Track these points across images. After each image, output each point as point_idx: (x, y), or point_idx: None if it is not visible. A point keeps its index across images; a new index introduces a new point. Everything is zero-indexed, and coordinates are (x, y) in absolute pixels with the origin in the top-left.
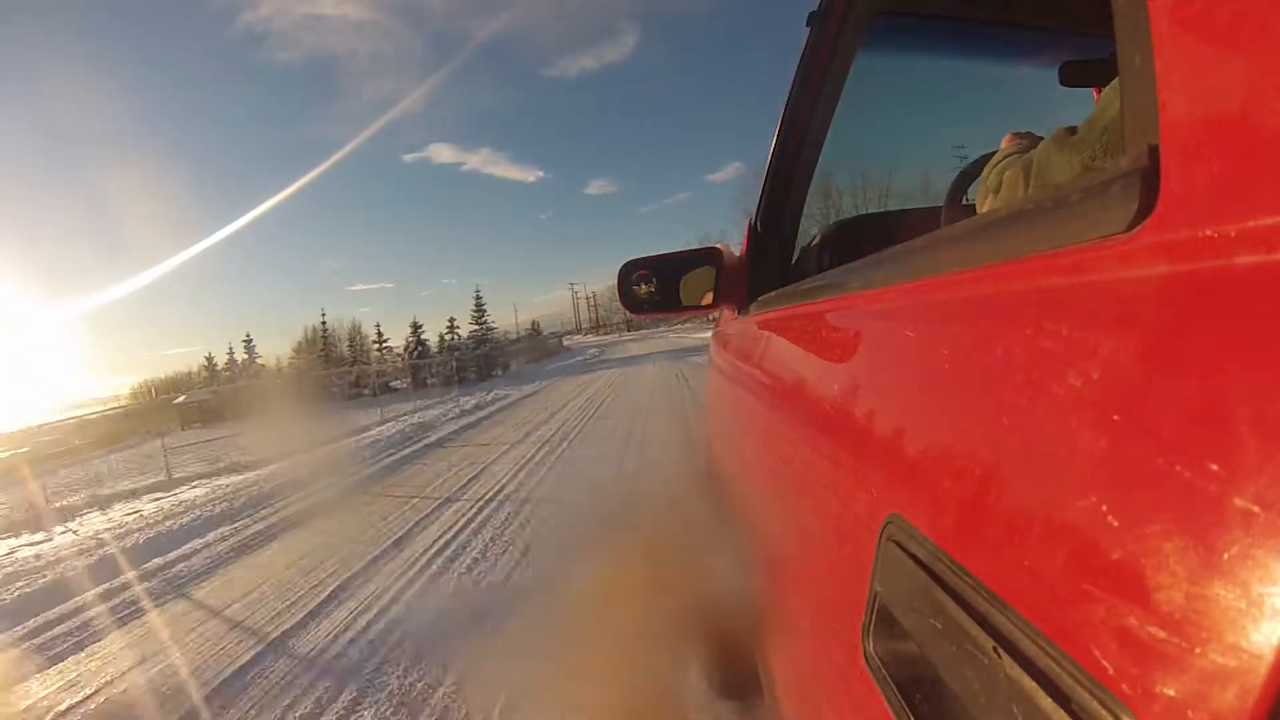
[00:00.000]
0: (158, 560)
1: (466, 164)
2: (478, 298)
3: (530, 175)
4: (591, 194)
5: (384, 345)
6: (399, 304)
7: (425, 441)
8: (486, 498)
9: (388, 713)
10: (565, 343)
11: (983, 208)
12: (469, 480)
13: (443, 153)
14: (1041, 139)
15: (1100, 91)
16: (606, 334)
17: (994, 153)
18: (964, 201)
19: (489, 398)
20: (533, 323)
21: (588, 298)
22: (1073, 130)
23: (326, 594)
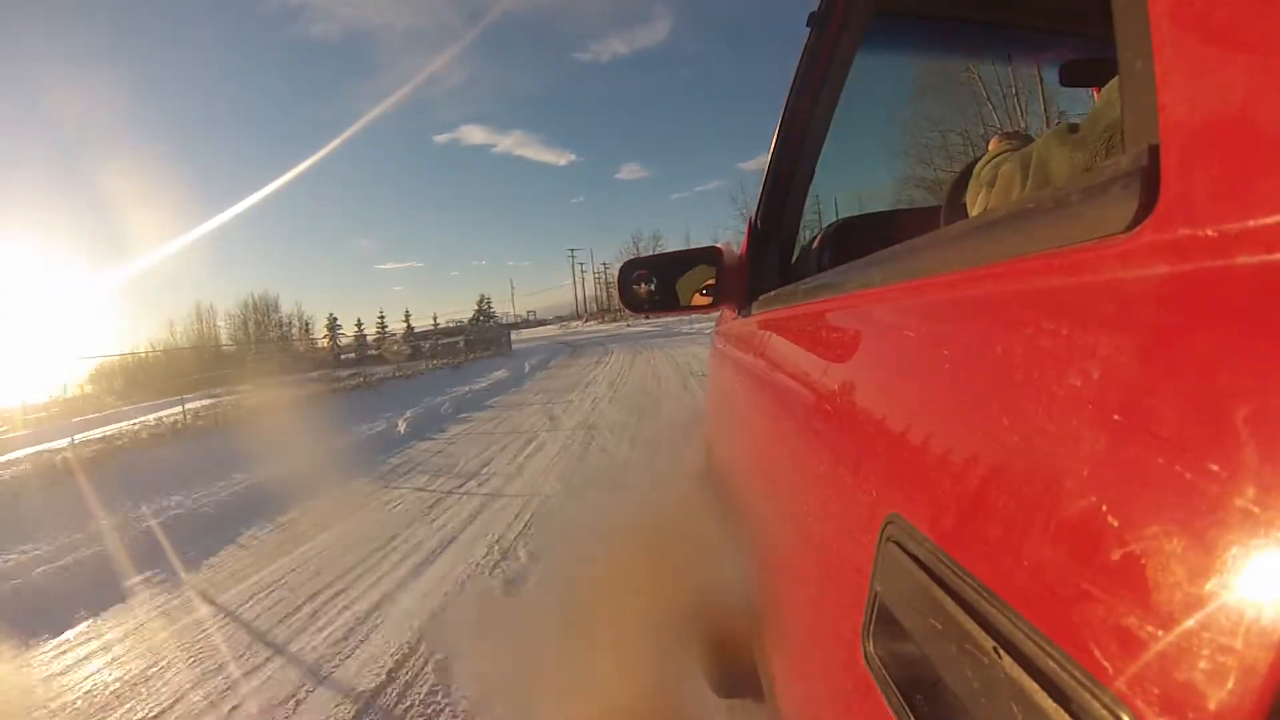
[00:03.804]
0: None
1: (498, 146)
2: None
3: (562, 159)
4: (623, 179)
5: None
6: (428, 284)
7: None
8: None
9: None
10: (514, 340)
11: (975, 204)
12: None
13: (474, 134)
14: (1031, 138)
15: (1100, 91)
16: (611, 321)
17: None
18: (962, 201)
19: None
20: (480, 298)
21: (595, 273)
22: (1075, 128)
23: None
